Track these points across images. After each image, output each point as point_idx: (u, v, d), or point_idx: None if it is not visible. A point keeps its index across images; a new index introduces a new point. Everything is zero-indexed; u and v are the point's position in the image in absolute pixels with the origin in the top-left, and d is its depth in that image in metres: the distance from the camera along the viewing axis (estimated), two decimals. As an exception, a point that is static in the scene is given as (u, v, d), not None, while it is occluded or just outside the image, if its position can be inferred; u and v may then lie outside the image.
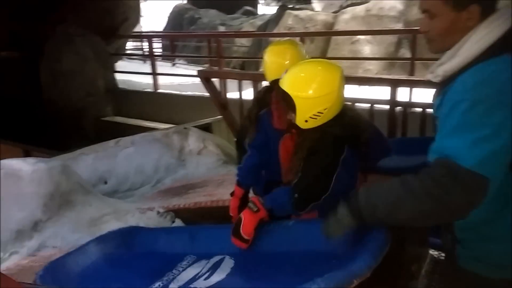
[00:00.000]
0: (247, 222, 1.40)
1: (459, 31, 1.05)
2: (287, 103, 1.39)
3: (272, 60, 1.87)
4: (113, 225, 2.67)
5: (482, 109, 0.96)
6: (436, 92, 1.17)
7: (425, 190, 1.00)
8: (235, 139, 2.65)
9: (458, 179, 0.96)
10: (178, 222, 2.67)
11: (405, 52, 8.12)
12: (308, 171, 1.40)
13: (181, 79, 7.74)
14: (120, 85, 7.84)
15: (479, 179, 0.95)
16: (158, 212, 2.73)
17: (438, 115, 1.09)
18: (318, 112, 1.35)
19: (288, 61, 1.79)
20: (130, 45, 15.23)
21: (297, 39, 7.59)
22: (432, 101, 1.22)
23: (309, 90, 1.35)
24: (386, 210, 1.08)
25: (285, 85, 1.39)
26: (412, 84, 3.04)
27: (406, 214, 1.05)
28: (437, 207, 1.00)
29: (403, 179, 1.06)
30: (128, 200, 3.34)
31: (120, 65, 9.97)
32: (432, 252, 2.13)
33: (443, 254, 1.72)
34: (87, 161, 3.98)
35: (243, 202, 1.82)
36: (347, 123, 1.41)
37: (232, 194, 1.89)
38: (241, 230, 1.40)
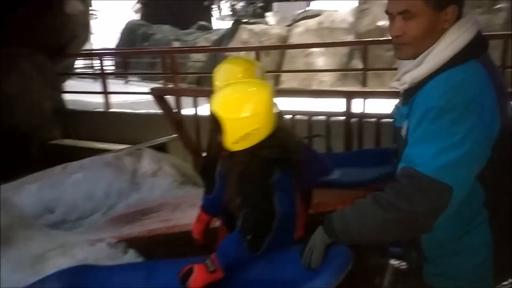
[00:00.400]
0: (198, 279, 1.33)
1: (435, 33, 1.03)
2: (216, 124, 1.35)
3: (225, 78, 1.66)
4: (59, 261, 2.44)
5: (449, 118, 0.96)
6: (400, 101, 1.15)
7: (388, 201, 1.00)
8: (200, 171, 2.54)
9: (420, 188, 0.96)
10: (131, 253, 2.48)
11: (357, 63, 8.35)
12: (247, 205, 1.35)
13: (135, 97, 7.50)
14: (69, 106, 7.46)
15: (441, 187, 0.95)
16: (109, 244, 2.53)
17: (405, 124, 1.08)
18: (246, 134, 1.32)
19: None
20: (80, 63, 14.75)
21: (253, 53, 7.60)
22: (393, 110, 1.22)
23: (237, 111, 1.32)
24: (355, 224, 1.07)
25: (214, 106, 1.35)
26: (366, 95, 3.05)
27: (372, 227, 1.04)
28: (402, 217, 0.99)
29: (374, 194, 1.07)
30: (76, 231, 3.10)
31: (69, 84, 9.53)
32: (393, 262, 2.10)
33: (403, 263, 1.71)
34: (31, 190, 3.69)
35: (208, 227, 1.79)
36: (277, 145, 1.37)
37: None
38: (189, 283, 1.33)
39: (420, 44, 1.03)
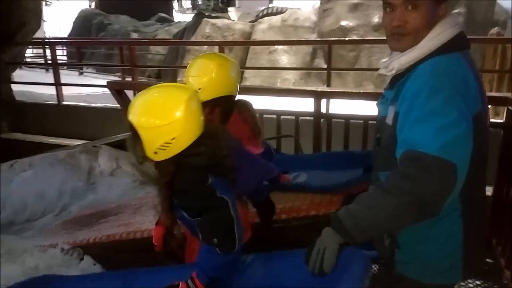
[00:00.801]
0: None
1: (430, 25, 1.08)
2: (133, 133, 1.24)
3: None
4: (6, 269, 2.24)
5: (442, 96, 0.99)
6: (387, 86, 1.18)
7: (396, 186, 0.99)
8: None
9: (425, 168, 0.96)
10: (88, 259, 2.31)
11: (320, 62, 8.41)
12: (196, 215, 1.27)
13: (89, 89, 7.13)
14: (18, 97, 6.96)
15: (446, 165, 0.96)
16: (63, 250, 2.34)
17: (391, 110, 1.10)
18: (166, 143, 1.21)
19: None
20: (30, 52, 13.89)
21: (216, 48, 7.45)
22: (378, 101, 1.23)
23: (150, 119, 1.21)
24: (367, 217, 1.03)
25: (129, 114, 1.23)
26: (335, 95, 3.03)
27: (385, 216, 1.01)
28: (412, 200, 0.97)
29: (376, 184, 1.06)
30: (25, 235, 2.85)
31: (19, 74, 8.92)
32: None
33: (376, 267, 1.68)
34: (-25, 189, 3.37)
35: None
36: (204, 152, 1.26)
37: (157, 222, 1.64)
38: None
39: (419, 34, 1.07)
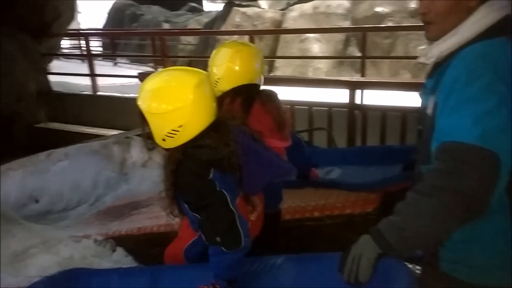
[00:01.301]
0: None
1: (460, 11, 1.01)
2: (142, 118, 1.21)
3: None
4: (42, 259, 2.29)
5: (482, 83, 0.92)
6: (428, 75, 1.12)
7: (434, 185, 0.91)
8: None
9: (465, 159, 0.89)
10: (120, 251, 2.33)
11: (353, 50, 8.16)
12: (195, 212, 1.22)
13: (123, 80, 7.23)
14: (55, 88, 7.18)
15: (487, 154, 0.88)
16: (96, 241, 2.37)
17: (432, 100, 1.03)
18: (173, 130, 1.17)
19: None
20: (67, 43, 14.29)
21: (246, 37, 7.37)
22: (420, 91, 1.16)
23: (156, 104, 1.16)
24: (411, 227, 0.95)
25: (138, 98, 1.20)
26: (371, 85, 2.89)
27: (430, 222, 0.93)
28: (455, 198, 0.89)
29: (412, 189, 0.97)
30: (61, 225, 2.92)
31: (56, 65, 9.19)
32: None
33: (418, 268, 1.59)
34: (15, 178, 3.50)
35: None
36: (208, 145, 1.20)
37: None
38: None
39: (445, 22, 1.02)
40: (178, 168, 1.19)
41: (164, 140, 1.18)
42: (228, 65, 1.59)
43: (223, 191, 1.18)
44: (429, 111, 1.05)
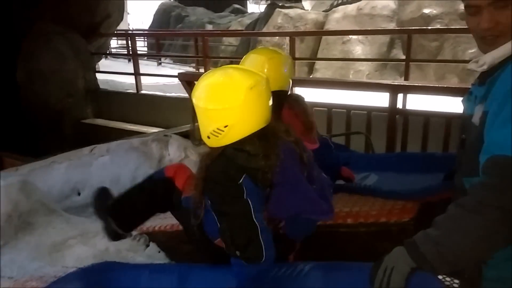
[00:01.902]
0: None
1: None
2: (193, 113, 1.23)
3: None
4: (78, 250, 2.37)
5: None
6: (476, 82, 1.06)
7: (480, 202, 0.86)
8: None
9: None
10: (153, 247, 2.37)
11: (397, 53, 7.91)
12: (218, 217, 1.18)
13: (166, 79, 7.43)
14: (102, 86, 7.49)
15: None
16: (131, 235, 2.42)
17: (480, 109, 0.97)
18: (218, 129, 1.15)
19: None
20: (115, 43, 14.89)
21: (287, 38, 7.33)
22: (464, 98, 1.10)
23: (207, 100, 1.15)
24: (450, 244, 0.89)
25: (193, 93, 1.20)
26: (414, 90, 2.77)
27: (472, 240, 0.87)
28: (503, 216, 0.84)
29: (456, 203, 0.92)
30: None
31: (104, 64, 9.61)
32: (442, 278, 1.84)
33: (456, 281, 1.49)
34: (60, 170, 3.65)
35: None
36: (251, 152, 1.15)
37: None
38: None
39: (508, 34, 0.94)
40: (211, 165, 1.19)
41: (208, 137, 1.18)
42: (262, 72, 1.59)
43: (249, 200, 1.13)
44: (476, 120, 0.98)
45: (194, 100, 1.17)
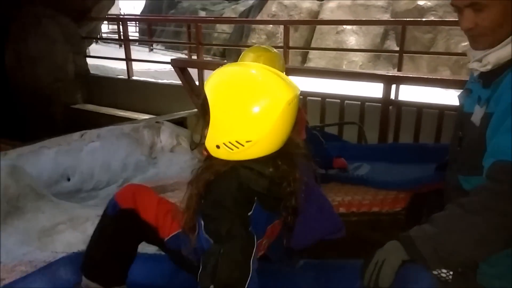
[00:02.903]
0: None
1: (511, 21, 0.93)
2: (203, 112, 0.95)
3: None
4: (68, 236, 2.34)
5: None
6: (475, 79, 1.04)
7: (485, 205, 0.86)
8: None
9: None
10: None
11: (391, 44, 7.91)
12: (210, 234, 0.94)
13: (158, 66, 7.35)
14: (93, 71, 7.38)
15: None
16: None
17: (481, 109, 0.96)
18: (237, 142, 0.92)
19: None
20: (106, 28, 14.64)
21: (281, 27, 7.27)
22: (461, 94, 1.09)
23: (233, 103, 0.91)
24: (448, 244, 0.89)
25: (209, 87, 0.95)
26: (408, 81, 2.77)
27: (471, 242, 0.88)
28: (504, 222, 0.84)
29: (458, 202, 0.91)
30: (89, 204, 2.99)
31: (95, 49, 9.46)
32: (438, 272, 1.85)
33: (451, 273, 1.50)
34: (49, 155, 3.61)
35: None
36: (270, 176, 0.95)
37: None
38: None
39: (497, 32, 0.95)
40: (215, 181, 0.96)
41: (218, 147, 0.93)
42: None
43: (253, 235, 0.93)
44: (476, 120, 0.98)
45: (210, 97, 0.92)
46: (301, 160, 1.02)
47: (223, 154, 0.94)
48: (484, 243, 0.88)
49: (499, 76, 0.95)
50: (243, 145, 0.92)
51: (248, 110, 0.90)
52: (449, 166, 1.11)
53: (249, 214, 0.94)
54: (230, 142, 0.92)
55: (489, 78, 0.98)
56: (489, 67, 0.97)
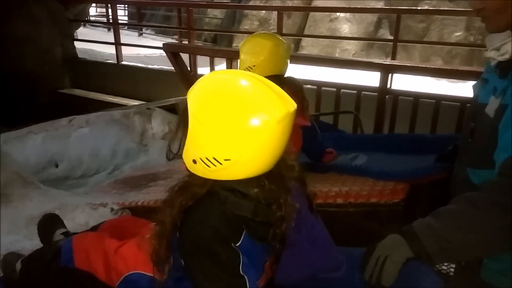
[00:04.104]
0: None
1: None
2: (183, 119, 0.84)
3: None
4: (57, 224, 2.29)
5: None
6: (491, 70, 1.01)
7: (494, 203, 0.84)
8: None
9: None
10: (135, 222, 2.31)
11: (384, 33, 7.86)
12: (188, 275, 0.84)
13: (148, 50, 7.20)
14: (81, 55, 7.20)
15: None
16: (112, 209, 2.36)
17: (497, 101, 0.93)
18: (214, 159, 0.80)
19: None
20: (95, 11, 14.29)
21: (274, 13, 7.16)
22: (476, 84, 1.06)
23: (212, 116, 0.79)
24: (455, 240, 0.86)
25: (193, 91, 0.84)
26: (405, 70, 2.74)
27: (479, 240, 0.86)
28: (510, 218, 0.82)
29: (466, 197, 0.88)
30: (78, 191, 2.93)
31: (82, 32, 9.22)
32: (439, 266, 1.82)
33: (453, 266, 1.48)
34: (36, 141, 3.52)
35: None
36: (256, 198, 0.83)
37: None
38: None
39: (501, 18, 0.94)
40: (192, 209, 0.84)
41: (194, 162, 0.82)
42: (269, 54, 1.73)
43: (245, 277, 0.80)
44: (490, 111, 0.95)
45: (190, 105, 0.82)
46: (294, 184, 0.91)
47: (199, 170, 0.83)
48: (494, 241, 0.86)
49: None
50: (220, 163, 0.80)
51: (230, 124, 0.77)
52: (458, 157, 1.08)
53: (237, 245, 0.81)
54: (207, 158, 0.80)
55: (506, 68, 0.94)
56: (507, 56, 0.94)
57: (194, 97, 0.83)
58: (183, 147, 0.85)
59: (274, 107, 0.78)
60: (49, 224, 1.56)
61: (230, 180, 0.82)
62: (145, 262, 1.02)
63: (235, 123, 0.77)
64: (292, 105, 0.80)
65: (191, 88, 0.85)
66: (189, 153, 0.84)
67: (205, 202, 0.83)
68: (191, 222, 0.83)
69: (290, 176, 0.90)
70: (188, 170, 0.86)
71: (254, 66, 1.73)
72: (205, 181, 0.84)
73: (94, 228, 1.45)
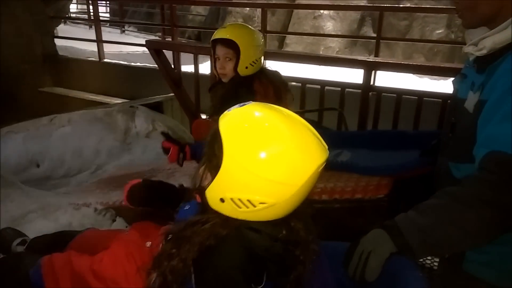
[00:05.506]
0: None
1: (488, 2, 0.92)
2: (210, 151, 0.81)
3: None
4: (39, 225, 2.25)
5: None
6: (470, 65, 1.01)
7: (475, 196, 0.84)
8: None
9: (511, 172, 0.81)
10: (120, 221, 2.28)
11: (367, 31, 7.94)
12: None
13: (130, 48, 7.11)
14: (61, 52, 7.06)
15: None
16: (96, 209, 2.33)
17: (475, 96, 0.93)
18: (248, 201, 0.77)
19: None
20: (76, 8, 14.03)
21: (258, 10, 7.14)
22: (455, 79, 1.07)
23: (258, 158, 0.75)
24: (437, 234, 0.87)
25: (227, 124, 0.79)
26: (389, 67, 2.77)
27: (461, 233, 0.86)
28: (496, 214, 0.83)
29: (448, 192, 0.89)
30: (61, 191, 2.88)
31: (63, 29, 9.06)
32: (422, 260, 1.84)
33: (436, 260, 1.50)
34: (17, 140, 3.46)
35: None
36: (283, 239, 0.80)
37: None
38: None
39: (475, 13, 0.94)
40: (218, 250, 0.79)
41: (222, 201, 0.78)
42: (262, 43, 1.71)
43: None
44: (469, 106, 0.95)
45: (227, 140, 0.76)
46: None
47: (226, 209, 0.79)
48: (475, 235, 0.87)
49: (494, 61, 0.93)
50: (254, 206, 0.76)
51: (272, 169, 0.74)
52: (441, 151, 1.10)
53: (259, 287, 0.77)
54: (239, 199, 0.76)
55: (484, 63, 0.96)
56: (484, 51, 0.95)
57: (233, 129, 0.77)
58: (206, 180, 0.80)
59: (316, 153, 0.76)
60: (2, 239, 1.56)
61: (253, 221, 0.79)
62: (126, 277, 1.05)
63: (277, 166, 0.74)
64: (327, 150, 0.79)
65: (225, 116, 0.80)
66: (216, 191, 0.79)
67: (229, 243, 0.79)
68: (212, 265, 0.79)
69: (309, 212, 0.88)
70: (203, 204, 0.82)
71: (257, 60, 1.67)
72: (227, 219, 0.80)
73: (62, 246, 1.39)
